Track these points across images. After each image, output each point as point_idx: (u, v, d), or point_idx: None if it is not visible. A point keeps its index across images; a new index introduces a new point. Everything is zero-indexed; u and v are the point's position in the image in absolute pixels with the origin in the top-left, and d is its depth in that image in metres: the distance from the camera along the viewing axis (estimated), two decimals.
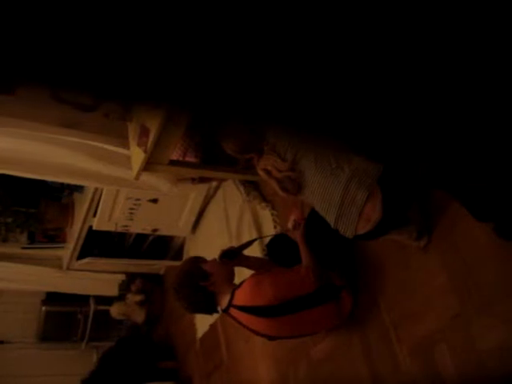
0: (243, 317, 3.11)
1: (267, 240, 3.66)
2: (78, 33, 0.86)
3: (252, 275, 3.20)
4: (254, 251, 3.67)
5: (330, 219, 2.78)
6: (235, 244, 3.82)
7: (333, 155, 2.74)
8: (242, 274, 3.34)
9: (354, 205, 2.66)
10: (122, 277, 6.03)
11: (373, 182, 2.64)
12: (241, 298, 3.09)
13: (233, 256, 3.28)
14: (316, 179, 2.77)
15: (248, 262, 3.37)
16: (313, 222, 3.12)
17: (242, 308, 3.08)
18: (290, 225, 3.37)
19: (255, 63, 0.95)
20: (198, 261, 3.20)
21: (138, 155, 3.39)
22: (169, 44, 0.91)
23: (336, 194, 2.70)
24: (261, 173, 2.93)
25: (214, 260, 3.21)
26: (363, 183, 2.64)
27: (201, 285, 3.07)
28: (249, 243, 3.46)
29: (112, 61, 0.92)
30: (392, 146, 2.58)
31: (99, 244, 5.62)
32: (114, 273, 5.97)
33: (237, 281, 3.22)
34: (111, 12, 0.85)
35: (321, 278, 3.07)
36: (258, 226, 4.39)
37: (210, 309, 3.21)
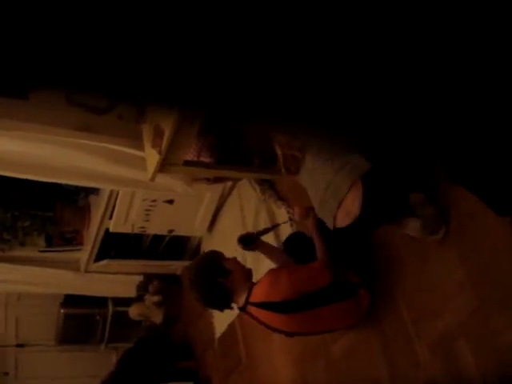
0: (261, 313, 3.12)
1: (284, 237, 3.67)
2: (90, 34, 0.86)
3: (269, 272, 3.21)
4: None
5: (315, 207, 2.92)
6: None
7: (329, 147, 2.82)
8: (258, 272, 3.35)
9: (336, 195, 2.75)
10: (139, 278, 6.04)
11: (358, 176, 2.71)
12: (258, 294, 3.10)
13: (250, 241, 3.30)
14: (310, 165, 2.90)
15: (264, 248, 3.39)
16: None
17: (259, 304, 3.09)
18: (296, 217, 3.43)
19: (265, 63, 0.95)
20: (218, 256, 3.20)
21: (152, 157, 3.40)
22: (182, 44, 0.91)
23: (322, 183, 2.81)
24: (277, 147, 3.03)
25: (234, 258, 3.23)
26: (348, 176, 2.72)
27: (219, 281, 3.08)
28: (266, 230, 3.49)
29: (124, 62, 0.92)
30: (384, 146, 2.62)
31: (116, 246, 5.63)
32: (132, 274, 5.98)
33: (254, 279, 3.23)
34: (123, 14, 0.85)
35: (334, 268, 3.08)
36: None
37: (223, 305, 3.22)
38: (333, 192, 2.76)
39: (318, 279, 3.08)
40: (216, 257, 3.20)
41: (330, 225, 2.86)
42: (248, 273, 3.23)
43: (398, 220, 2.90)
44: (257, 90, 1.00)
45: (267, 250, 3.41)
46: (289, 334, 3.29)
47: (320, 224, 3.15)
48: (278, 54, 0.92)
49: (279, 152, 3.03)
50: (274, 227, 3.74)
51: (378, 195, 2.72)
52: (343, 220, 2.78)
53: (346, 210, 2.75)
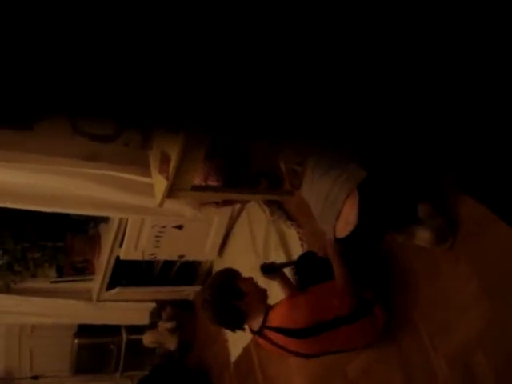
0: (278, 337, 3.08)
1: (295, 257, 3.66)
2: (93, 60, 0.86)
3: (287, 297, 3.19)
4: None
5: (317, 218, 2.98)
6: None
7: (326, 159, 2.86)
8: (270, 291, 3.34)
9: (334, 206, 2.81)
10: (152, 305, 6.02)
11: (354, 185, 2.76)
12: (277, 319, 3.07)
13: (271, 270, 3.27)
14: (309, 178, 2.97)
15: (282, 281, 3.33)
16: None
17: (278, 329, 3.06)
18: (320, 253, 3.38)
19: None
20: (234, 276, 3.15)
21: (160, 183, 3.40)
22: (186, 67, 0.91)
23: (320, 195, 2.87)
24: (281, 162, 3.13)
25: (251, 279, 3.19)
26: (345, 186, 2.78)
27: (234, 303, 3.04)
28: (290, 263, 3.50)
29: (128, 87, 0.93)
30: (384, 154, 2.63)
31: (127, 273, 5.63)
32: (144, 301, 5.96)
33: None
34: (126, 40, 0.86)
35: (356, 293, 3.06)
36: (285, 245, 4.38)
37: (236, 326, 3.18)
38: (331, 203, 2.80)
39: (337, 308, 3.05)
40: (232, 277, 3.13)
41: (330, 236, 2.88)
42: (263, 294, 3.18)
43: (405, 229, 2.90)
44: (259, 111, 1.00)
45: (284, 283, 3.33)
46: (306, 356, 3.26)
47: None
48: (277, 70, 0.92)
49: (283, 167, 3.08)
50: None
51: (375, 203, 2.74)
52: (343, 230, 2.80)
53: (344, 220, 2.78)
